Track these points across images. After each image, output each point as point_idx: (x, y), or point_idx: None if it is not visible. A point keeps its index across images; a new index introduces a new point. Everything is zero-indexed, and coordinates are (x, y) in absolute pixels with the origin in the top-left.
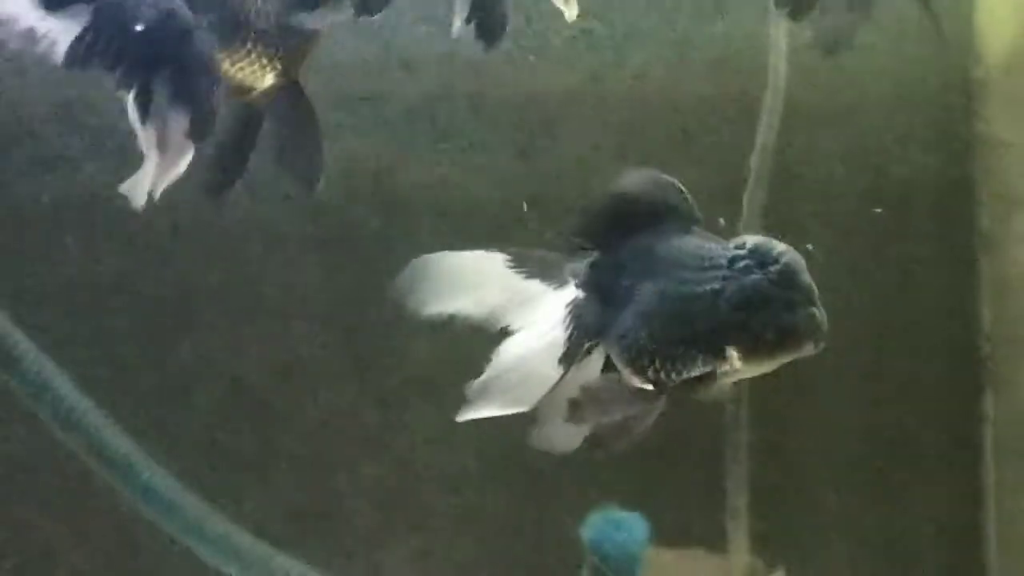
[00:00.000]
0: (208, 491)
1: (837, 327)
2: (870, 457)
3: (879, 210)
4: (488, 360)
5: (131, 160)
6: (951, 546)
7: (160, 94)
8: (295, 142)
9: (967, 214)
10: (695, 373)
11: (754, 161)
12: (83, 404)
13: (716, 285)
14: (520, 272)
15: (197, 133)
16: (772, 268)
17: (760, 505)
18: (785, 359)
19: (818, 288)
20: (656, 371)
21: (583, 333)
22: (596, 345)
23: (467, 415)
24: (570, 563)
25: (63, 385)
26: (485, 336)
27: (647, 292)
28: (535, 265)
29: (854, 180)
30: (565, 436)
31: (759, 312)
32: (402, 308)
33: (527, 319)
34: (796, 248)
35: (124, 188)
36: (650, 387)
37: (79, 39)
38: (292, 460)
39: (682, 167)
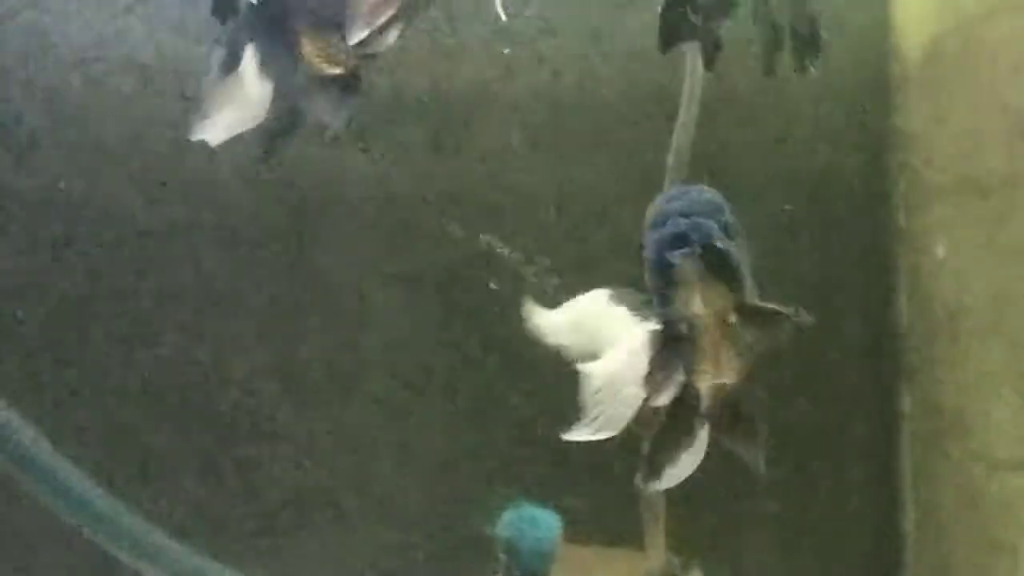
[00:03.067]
0: (117, 488)
1: None
2: (788, 454)
3: (788, 207)
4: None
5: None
6: (870, 540)
7: (249, 58)
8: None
9: (884, 208)
10: None
11: (671, 156)
12: None
13: None
14: (616, 304)
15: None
16: None
17: (677, 503)
18: None
19: None
20: None
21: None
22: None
23: (573, 436)
24: (484, 559)
25: None
26: (395, 336)
27: None
28: (628, 298)
29: (771, 174)
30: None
31: None
32: None
33: (613, 344)
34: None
35: (197, 133)
36: None
37: None
38: (204, 456)
39: (599, 162)
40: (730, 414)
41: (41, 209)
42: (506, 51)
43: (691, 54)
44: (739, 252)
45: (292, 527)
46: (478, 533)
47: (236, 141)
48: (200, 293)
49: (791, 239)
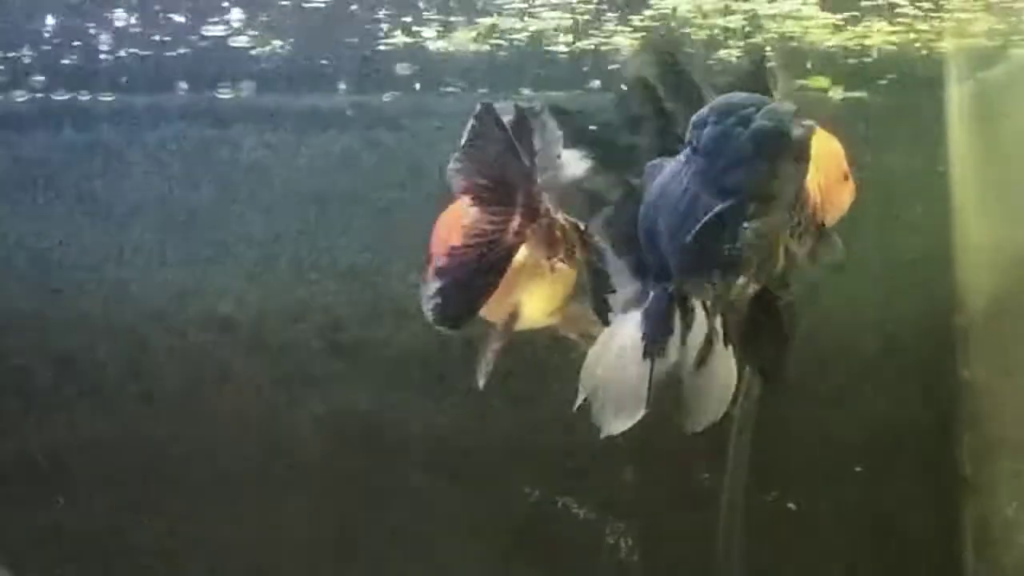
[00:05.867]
0: None
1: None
2: None
3: (859, 468)
4: None
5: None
6: None
7: None
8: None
9: (951, 459)
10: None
11: (737, 411)
12: None
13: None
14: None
15: None
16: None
17: None
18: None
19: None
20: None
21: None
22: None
23: (613, 431)
24: None
25: None
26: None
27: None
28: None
29: (841, 427)
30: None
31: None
32: None
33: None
34: None
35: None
36: None
37: None
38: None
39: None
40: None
41: (117, 456)
42: None
43: None
44: None
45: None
46: None
47: (318, 387)
48: (273, 538)
49: (861, 491)
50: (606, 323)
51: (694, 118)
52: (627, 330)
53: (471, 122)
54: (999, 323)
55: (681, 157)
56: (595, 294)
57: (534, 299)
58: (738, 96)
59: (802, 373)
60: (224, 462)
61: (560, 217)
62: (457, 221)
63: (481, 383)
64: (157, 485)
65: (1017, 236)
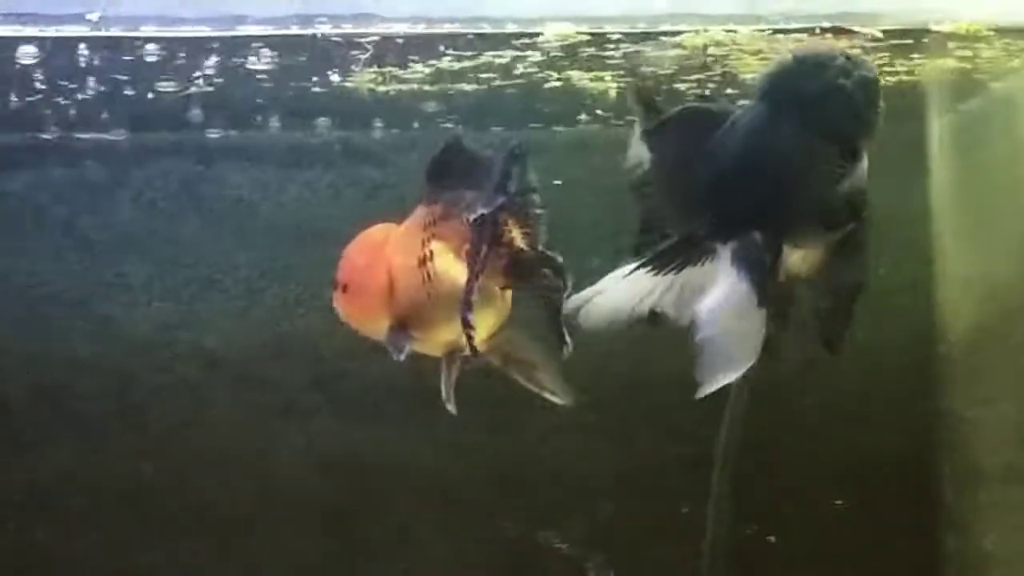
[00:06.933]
0: None
1: None
2: None
3: (839, 501)
4: None
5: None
6: None
7: None
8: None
9: (932, 491)
10: None
11: (720, 443)
12: None
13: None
14: (667, 272)
15: None
16: None
17: None
18: None
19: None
20: None
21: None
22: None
23: (712, 388)
24: None
25: None
26: None
27: None
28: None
29: (821, 458)
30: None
31: None
32: None
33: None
34: None
35: None
36: None
37: None
38: None
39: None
40: None
41: (102, 491)
42: None
43: None
44: None
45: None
46: None
47: (303, 421)
48: (257, 572)
49: (841, 521)
50: (561, 348)
51: (774, 70)
52: (719, 289)
53: (439, 151)
54: (979, 353)
55: (759, 111)
56: (552, 323)
57: (480, 326)
58: (816, 50)
59: (781, 404)
60: (209, 496)
61: (524, 245)
62: (374, 247)
63: (452, 408)
64: (142, 520)
65: (996, 266)
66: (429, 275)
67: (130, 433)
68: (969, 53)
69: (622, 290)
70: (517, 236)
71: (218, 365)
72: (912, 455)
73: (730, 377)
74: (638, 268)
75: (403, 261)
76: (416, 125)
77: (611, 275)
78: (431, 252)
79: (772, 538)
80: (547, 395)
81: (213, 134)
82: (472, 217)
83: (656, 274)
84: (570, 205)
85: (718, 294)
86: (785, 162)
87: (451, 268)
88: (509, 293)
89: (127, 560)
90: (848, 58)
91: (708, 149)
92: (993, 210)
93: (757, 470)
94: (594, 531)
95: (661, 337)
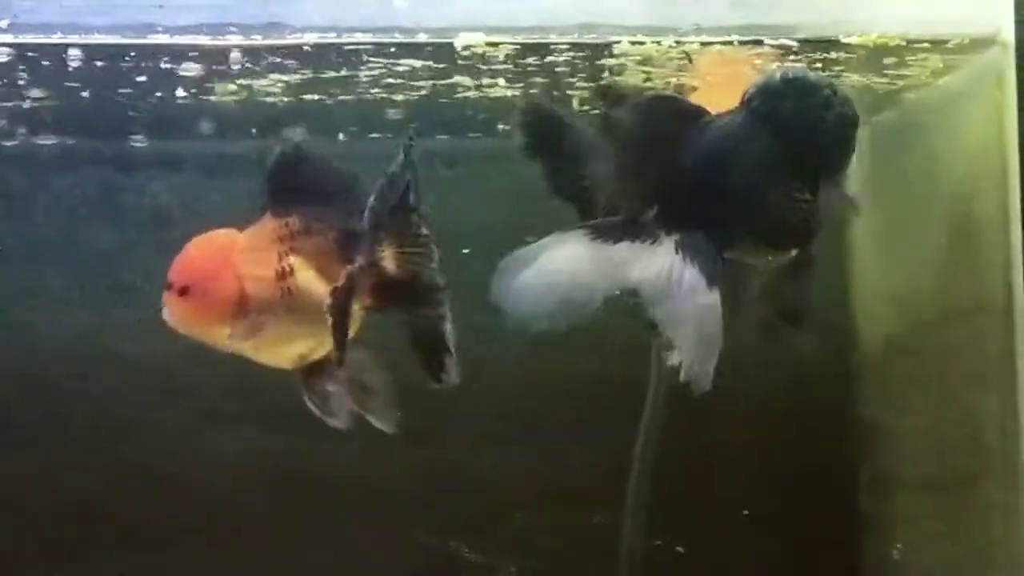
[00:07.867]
0: None
1: None
2: None
3: (750, 509)
4: None
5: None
6: None
7: None
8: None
9: (848, 500)
10: None
11: (636, 453)
12: None
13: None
14: (604, 240)
15: None
16: None
17: None
18: None
19: None
20: None
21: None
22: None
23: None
24: None
25: None
26: None
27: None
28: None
29: (736, 467)
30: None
31: None
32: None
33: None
34: None
35: None
36: None
37: None
38: None
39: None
40: None
41: (24, 501)
42: None
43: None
44: None
45: None
46: None
47: (225, 435)
48: None
49: (758, 531)
50: (438, 380)
51: (762, 83)
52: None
53: (276, 161)
54: (895, 363)
55: (737, 119)
56: (429, 351)
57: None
58: (805, 73)
59: (694, 413)
60: (134, 505)
61: (394, 267)
62: (219, 252)
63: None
64: (68, 531)
65: (912, 277)
66: (289, 290)
67: (53, 442)
68: (883, 65)
69: (553, 252)
70: (389, 257)
71: (139, 372)
72: (829, 464)
73: (708, 362)
74: (575, 231)
75: (257, 272)
76: (342, 137)
77: (548, 237)
78: (290, 267)
79: (681, 548)
80: (371, 419)
81: (136, 142)
82: (339, 236)
83: (593, 240)
84: (488, 213)
85: (662, 272)
86: (745, 174)
87: (312, 285)
88: (360, 312)
89: (53, 570)
90: (835, 92)
91: (674, 140)
92: (908, 222)
93: (673, 480)
94: (507, 542)
95: (582, 345)
